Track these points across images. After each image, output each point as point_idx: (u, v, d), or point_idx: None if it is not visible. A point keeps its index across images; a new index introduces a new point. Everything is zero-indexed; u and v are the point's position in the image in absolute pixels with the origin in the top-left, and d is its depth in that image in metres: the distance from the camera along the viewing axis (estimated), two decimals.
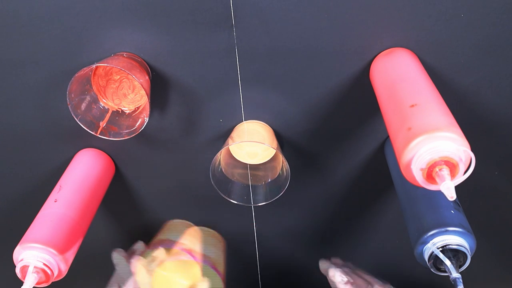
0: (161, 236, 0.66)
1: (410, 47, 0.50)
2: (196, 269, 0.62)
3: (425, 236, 0.45)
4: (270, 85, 0.55)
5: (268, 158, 0.62)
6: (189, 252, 0.61)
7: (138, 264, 0.56)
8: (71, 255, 0.50)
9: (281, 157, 0.58)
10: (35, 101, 0.57)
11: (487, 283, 0.81)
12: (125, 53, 0.52)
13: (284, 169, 0.57)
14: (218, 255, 0.65)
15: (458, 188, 0.36)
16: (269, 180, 0.61)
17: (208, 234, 0.68)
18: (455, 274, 0.42)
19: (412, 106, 0.40)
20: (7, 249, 0.77)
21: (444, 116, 0.39)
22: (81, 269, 0.82)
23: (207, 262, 0.61)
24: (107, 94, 0.56)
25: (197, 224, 0.72)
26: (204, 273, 0.63)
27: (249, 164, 0.63)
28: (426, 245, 0.45)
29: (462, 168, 0.36)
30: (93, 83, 0.55)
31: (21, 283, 0.47)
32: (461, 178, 0.36)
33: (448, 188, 0.35)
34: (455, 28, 0.49)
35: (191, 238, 0.65)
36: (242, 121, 0.59)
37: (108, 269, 0.64)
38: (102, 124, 0.54)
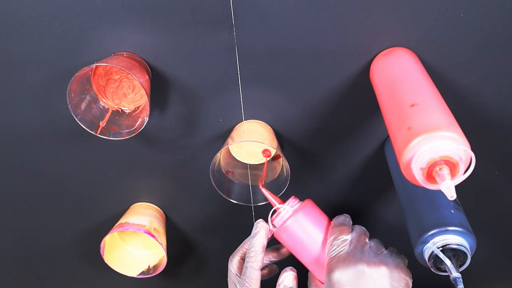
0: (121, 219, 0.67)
1: (410, 47, 0.50)
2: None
3: (425, 236, 0.45)
4: (270, 85, 0.55)
5: (268, 158, 0.62)
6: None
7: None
8: None
9: (281, 157, 0.58)
10: (35, 101, 0.57)
11: (487, 283, 0.81)
12: (125, 53, 0.52)
13: (284, 169, 0.57)
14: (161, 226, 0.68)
15: (458, 187, 0.36)
16: (269, 180, 0.61)
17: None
18: (455, 274, 0.42)
19: (412, 105, 0.40)
20: (6, 249, 0.78)
21: (444, 115, 0.39)
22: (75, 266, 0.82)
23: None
24: (107, 93, 0.56)
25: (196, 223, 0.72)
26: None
27: (249, 164, 0.63)
28: (426, 245, 0.45)
29: (462, 167, 0.36)
30: (93, 82, 0.55)
31: None
32: (461, 177, 0.36)
33: (448, 187, 0.35)
34: (455, 27, 0.49)
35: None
36: (242, 121, 0.59)
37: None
38: (102, 123, 0.54)
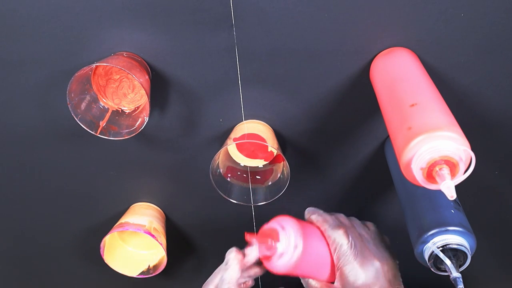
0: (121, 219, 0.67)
1: (410, 47, 0.50)
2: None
3: (425, 236, 0.45)
4: (270, 84, 0.55)
5: (269, 160, 0.62)
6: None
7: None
8: None
9: (281, 158, 0.58)
10: (35, 101, 0.57)
11: (487, 283, 0.81)
12: (125, 53, 0.52)
13: (285, 169, 0.57)
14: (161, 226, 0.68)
15: (458, 187, 0.36)
16: (270, 183, 0.61)
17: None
18: (455, 274, 0.42)
19: (412, 105, 0.40)
20: (6, 249, 0.78)
21: (444, 115, 0.39)
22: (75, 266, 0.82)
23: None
24: (107, 93, 0.56)
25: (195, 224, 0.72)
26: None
27: (249, 166, 0.63)
28: (426, 245, 0.45)
29: (462, 167, 0.36)
30: (93, 82, 0.55)
31: None
32: (461, 177, 0.36)
33: (448, 187, 0.35)
34: (455, 27, 0.49)
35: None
36: (242, 121, 0.59)
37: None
38: (102, 123, 0.54)
